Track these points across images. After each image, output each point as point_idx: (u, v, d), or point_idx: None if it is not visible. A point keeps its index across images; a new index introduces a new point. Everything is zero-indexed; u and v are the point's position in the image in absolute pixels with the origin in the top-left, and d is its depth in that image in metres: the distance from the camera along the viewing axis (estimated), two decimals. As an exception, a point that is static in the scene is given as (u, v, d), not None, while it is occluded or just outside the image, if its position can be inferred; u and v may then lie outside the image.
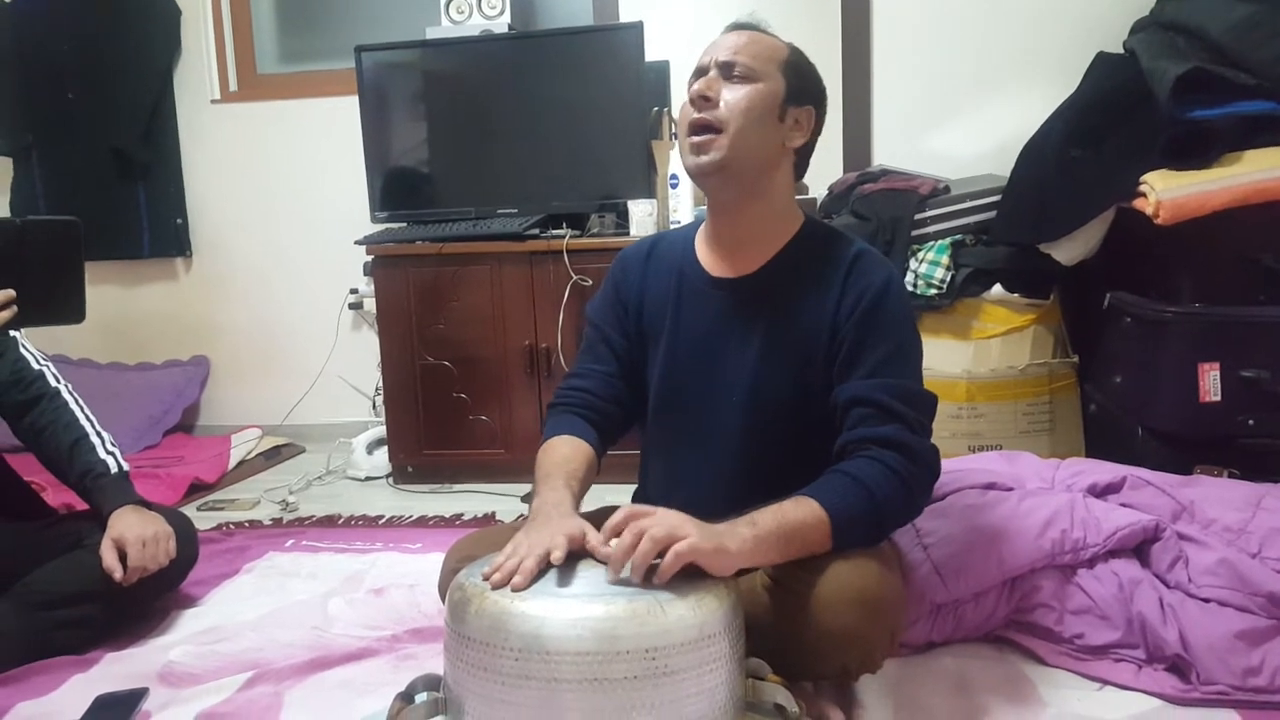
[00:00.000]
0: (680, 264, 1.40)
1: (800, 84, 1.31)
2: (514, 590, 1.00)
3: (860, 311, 1.27)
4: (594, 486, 1.31)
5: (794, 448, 1.31)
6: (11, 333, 1.68)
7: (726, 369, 1.34)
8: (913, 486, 1.20)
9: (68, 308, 1.50)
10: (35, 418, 1.67)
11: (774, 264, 1.34)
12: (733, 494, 1.17)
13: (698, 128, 1.27)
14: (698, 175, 1.31)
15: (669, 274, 1.40)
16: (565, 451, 1.31)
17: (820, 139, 1.37)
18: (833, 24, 2.76)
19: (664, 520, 1.05)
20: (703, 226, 1.42)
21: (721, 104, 1.26)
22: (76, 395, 1.73)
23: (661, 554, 1.02)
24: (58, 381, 1.71)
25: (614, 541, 1.05)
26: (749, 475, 1.31)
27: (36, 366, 1.70)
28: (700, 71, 1.30)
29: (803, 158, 1.36)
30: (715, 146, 1.26)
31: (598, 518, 1.14)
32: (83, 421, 1.70)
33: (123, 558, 1.57)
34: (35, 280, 1.42)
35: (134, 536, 1.59)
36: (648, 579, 1.01)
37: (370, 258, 2.71)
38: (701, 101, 1.27)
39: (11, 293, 1.38)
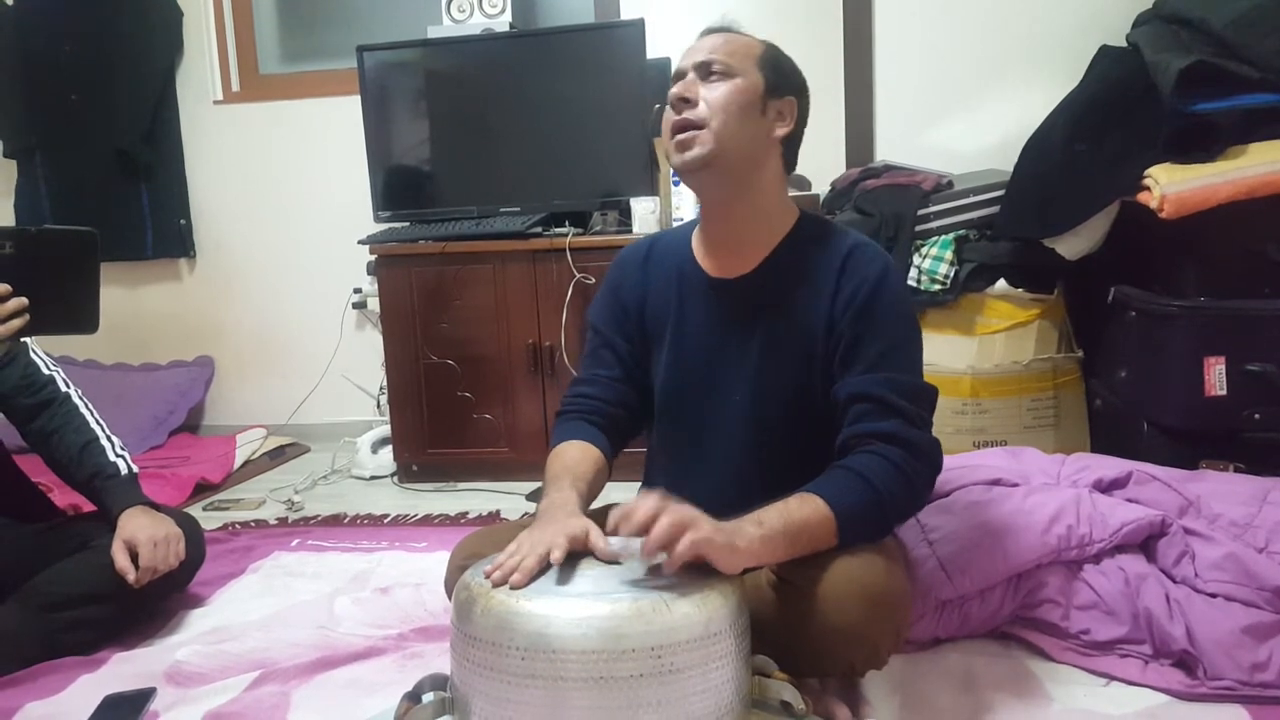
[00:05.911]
0: (679, 265, 1.40)
1: (778, 78, 1.31)
2: (513, 588, 1.00)
3: (857, 306, 1.27)
4: (600, 485, 1.31)
5: (797, 445, 1.31)
6: (22, 339, 1.69)
7: (728, 370, 1.34)
8: (915, 480, 1.21)
9: (81, 318, 1.49)
10: (45, 421, 1.67)
11: (769, 262, 1.34)
12: (737, 492, 1.17)
13: (679, 128, 1.28)
14: (684, 173, 1.31)
15: (669, 275, 1.40)
16: (574, 455, 1.31)
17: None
18: (834, 19, 2.75)
19: (681, 508, 1.06)
20: (698, 228, 1.42)
21: (701, 103, 1.27)
22: (86, 400, 1.73)
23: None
24: (67, 386, 1.72)
25: (634, 516, 1.04)
26: (753, 474, 1.31)
27: (46, 372, 1.71)
28: (678, 76, 1.31)
29: (790, 151, 1.35)
30: (698, 142, 1.26)
31: (601, 517, 1.14)
32: (93, 425, 1.70)
33: (133, 559, 1.57)
34: (49, 289, 1.41)
35: (145, 537, 1.59)
36: (655, 567, 1.01)
37: (373, 257, 2.72)
38: (681, 103, 1.28)
39: (24, 301, 1.37)
